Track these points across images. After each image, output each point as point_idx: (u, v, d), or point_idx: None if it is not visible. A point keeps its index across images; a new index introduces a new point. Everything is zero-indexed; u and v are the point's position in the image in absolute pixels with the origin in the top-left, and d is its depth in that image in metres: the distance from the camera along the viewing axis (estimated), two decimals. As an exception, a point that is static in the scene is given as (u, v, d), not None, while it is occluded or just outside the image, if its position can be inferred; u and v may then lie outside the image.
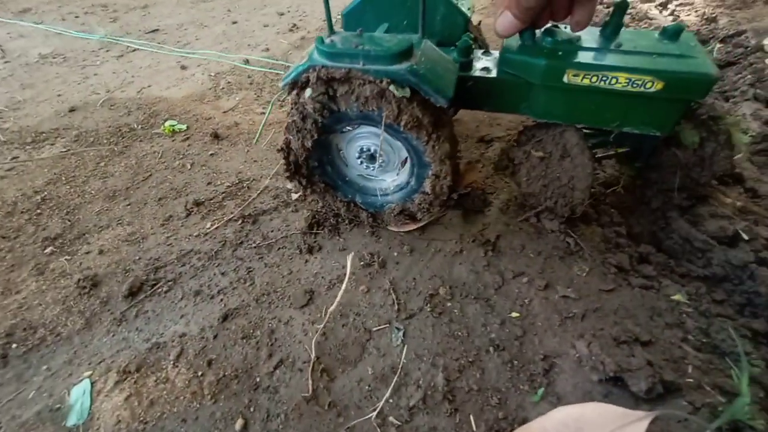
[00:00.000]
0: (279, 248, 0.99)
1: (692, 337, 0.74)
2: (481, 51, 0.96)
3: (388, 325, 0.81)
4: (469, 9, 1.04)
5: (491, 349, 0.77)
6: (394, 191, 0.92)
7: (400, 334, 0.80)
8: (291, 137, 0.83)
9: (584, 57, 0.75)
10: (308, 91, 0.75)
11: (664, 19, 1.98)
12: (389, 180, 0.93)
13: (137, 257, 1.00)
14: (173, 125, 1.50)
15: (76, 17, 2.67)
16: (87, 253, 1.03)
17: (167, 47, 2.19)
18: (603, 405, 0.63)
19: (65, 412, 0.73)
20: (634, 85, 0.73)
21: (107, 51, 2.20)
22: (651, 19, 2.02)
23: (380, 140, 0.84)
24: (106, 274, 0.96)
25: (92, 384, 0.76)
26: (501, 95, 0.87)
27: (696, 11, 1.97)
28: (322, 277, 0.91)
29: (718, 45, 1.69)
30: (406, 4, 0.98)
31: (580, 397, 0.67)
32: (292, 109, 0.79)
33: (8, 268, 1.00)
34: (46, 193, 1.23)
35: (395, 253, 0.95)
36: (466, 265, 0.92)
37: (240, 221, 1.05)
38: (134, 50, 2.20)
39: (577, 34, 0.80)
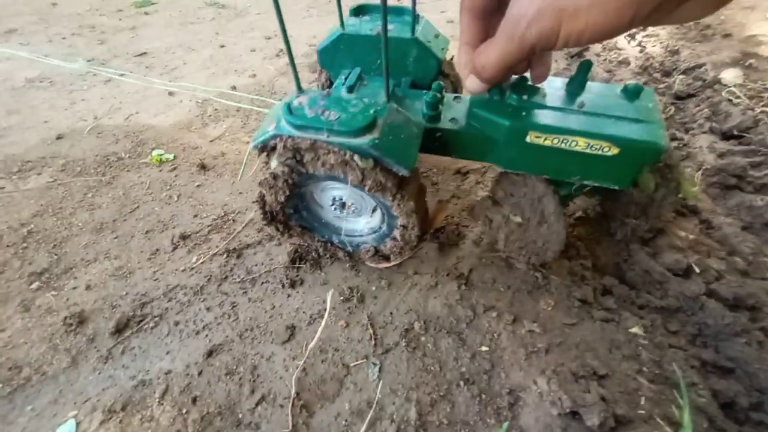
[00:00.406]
0: (262, 282, 1.03)
1: (646, 369, 0.81)
2: (453, 96, 1.00)
3: (365, 360, 0.86)
4: (443, 49, 1.08)
5: (461, 383, 0.82)
6: (369, 233, 0.98)
7: (377, 369, 0.84)
8: (264, 192, 0.88)
9: (547, 119, 0.79)
10: (274, 162, 0.80)
11: (632, 50, 2.10)
12: (363, 222, 0.99)
13: (124, 292, 1.02)
14: (161, 154, 1.54)
15: (63, 38, 2.68)
16: (74, 288, 1.05)
17: (154, 73, 2.23)
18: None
19: (51, 453, 0.75)
20: (593, 148, 0.78)
21: (95, 75, 2.23)
22: (620, 49, 2.15)
23: (347, 195, 0.89)
24: (93, 311, 0.98)
25: (77, 424, 0.78)
26: (468, 146, 0.92)
27: (661, 43, 2.10)
28: (304, 312, 0.96)
29: (680, 77, 1.81)
30: (377, 46, 1.02)
31: (541, 430, 0.73)
32: (263, 169, 0.84)
33: (-6, 305, 1.02)
34: (32, 225, 1.25)
35: (373, 288, 1.00)
36: (441, 299, 0.97)
37: (225, 255, 1.09)
38: (121, 74, 2.24)
39: (545, 88, 0.85)
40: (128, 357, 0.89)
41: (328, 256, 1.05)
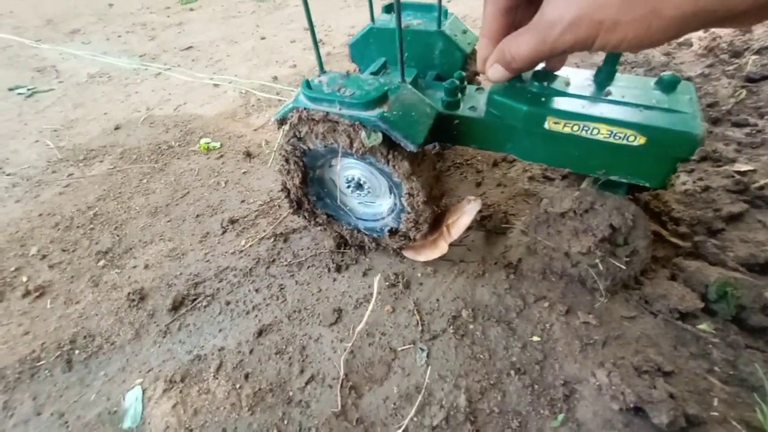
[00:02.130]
0: (309, 266, 1.05)
1: (718, 368, 0.74)
2: (475, 88, 0.96)
3: (412, 345, 0.85)
4: (469, 44, 1.06)
5: (512, 372, 0.79)
6: (389, 214, 0.96)
7: (424, 354, 0.84)
8: (284, 179, 0.92)
9: (566, 105, 0.74)
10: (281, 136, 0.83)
11: (695, 34, 1.93)
12: (384, 204, 0.97)
13: (179, 272, 1.08)
14: (208, 143, 1.60)
15: (119, 36, 2.85)
16: (134, 267, 1.12)
17: (199, 66, 2.32)
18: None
19: (121, 416, 0.81)
20: (616, 137, 0.71)
21: (146, 69, 2.35)
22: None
23: (360, 173, 0.90)
24: (151, 288, 1.04)
25: (143, 391, 0.84)
26: (486, 135, 0.88)
27: (730, 20, 1.91)
28: (350, 296, 0.96)
29: (753, 57, 1.64)
30: (406, 39, 1.01)
31: (600, 425, 0.69)
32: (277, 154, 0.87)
33: (69, 280, 1.11)
34: (97, 208, 1.34)
35: (419, 274, 0.99)
36: (489, 288, 0.94)
37: (272, 239, 1.12)
38: (169, 68, 2.34)
39: (569, 78, 0.79)
40: (184, 333, 0.94)
41: (355, 244, 1.05)
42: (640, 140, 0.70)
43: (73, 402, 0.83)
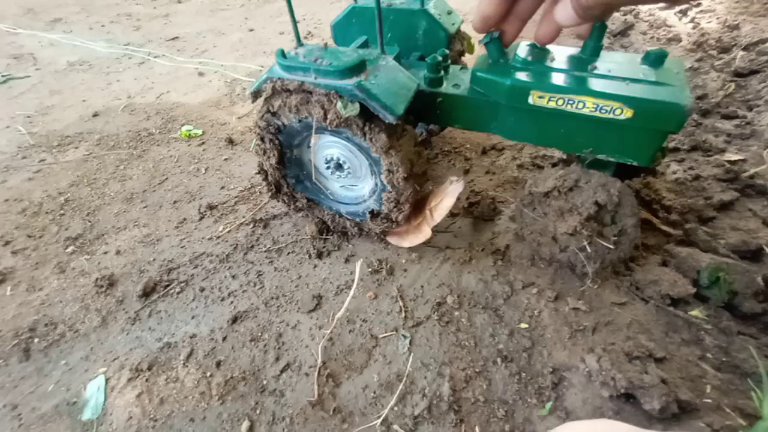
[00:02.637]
0: (289, 253, 1.00)
1: (711, 355, 0.72)
2: (460, 67, 0.95)
3: (394, 332, 0.81)
4: (453, 24, 1.05)
5: (499, 360, 0.76)
6: (370, 196, 0.92)
7: (407, 341, 0.79)
8: (260, 159, 0.88)
9: (550, 78, 0.72)
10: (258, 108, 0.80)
11: (684, 27, 1.94)
12: (365, 187, 0.93)
13: (152, 258, 1.02)
14: (189, 130, 1.54)
15: (102, 26, 2.77)
16: (105, 253, 1.06)
17: (185, 56, 2.26)
18: (614, 422, 0.61)
19: (81, 406, 0.75)
20: (603, 111, 0.69)
21: (129, 58, 2.28)
22: (669, 26, 1.99)
23: (338, 152, 0.86)
24: (122, 274, 0.99)
25: (107, 380, 0.78)
26: (470, 113, 0.86)
27: (718, 18, 1.92)
28: (330, 283, 0.92)
29: (742, 52, 1.65)
30: (388, 18, 1.00)
31: (590, 412, 0.66)
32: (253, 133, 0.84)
33: (33, 266, 1.04)
34: (69, 194, 1.28)
35: (403, 260, 0.95)
36: (475, 274, 0.91)
37: (252, 225, 1.07)
38: (155, 57, 2.28)
39: (554, 54, 0.77)
40: (155, 320, 0.89)
41: (337, 230, 1.00)
42: (627, 113, 0.68)
43: (28, 393, 0.77)
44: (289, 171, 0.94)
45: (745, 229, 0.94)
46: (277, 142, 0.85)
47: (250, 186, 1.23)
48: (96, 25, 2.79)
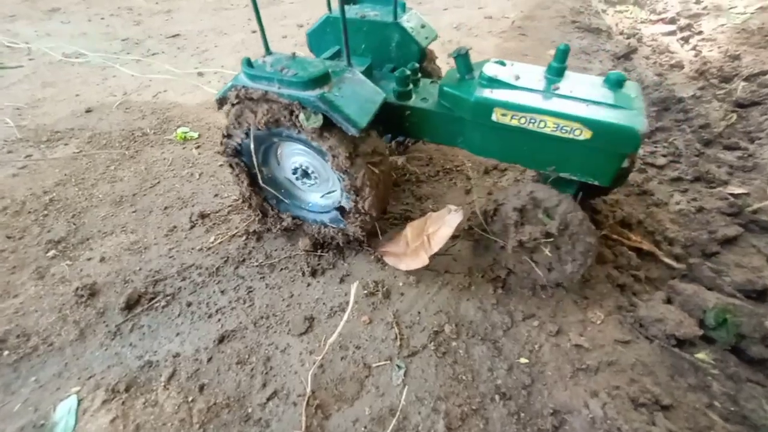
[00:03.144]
0: (281, 269, 0.96)
1: (719, 404, 0.69)
2: (430, 81, 0.95)
3: (389, 361, 0.78)
4: (426, 38, 1.04)
5: (497, 397, 0.72)
6: (342, 197, 0.89)
7: (401, 372, 0.76)
8: (240, 188, 0.92)
9: (513, 97, 0.74)
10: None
11: (686, 54, 1.95)
12: (338, 189, 0.91)
13: (138, 268, 0.98)
14: (185, 132, 1.50)
15: (102, 19, 2.72)
16: (88, 259, 1.01)
17: (185, 54, 2.22)
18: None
19: (49, 430, 0.70)
20: (563, 131, 0.72)
21: (128, 54, 2.24)
22: (672, 53, 2.00)
23: (306, 160, 0.87)
24: (105, 284, 0.94)
25: (79, 402, 0.73)
26: (437, 127, 0.87)
27: (719, 47, 1.94)
28: (324, 304, 0.88)
29: (743, 83, 1.65)
30: (362, 29, 1.02)
31: (590, 460, 0.63)
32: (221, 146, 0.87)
33: (9, 270, 0.99)
34: (54, 194, 1.23)
35: (400, 283, 0.92)
36: (474, 302, 0.88)
37: (244, 237, 1.03)
38: (153, 54, 2.24)
39: (520, 72, 0.79)
40: (136, 335, 0.84)
41: (326, 242, 0.98)
42: (586, 134, 0.70)
43: (-7, 412, 0.72)
44: (267, 193, 0.93)
45: (750, 266, 0.93)
46: (242, 164, 0.86)
47: (244, 195, 1.19)
48: (95, 18, 2.73)
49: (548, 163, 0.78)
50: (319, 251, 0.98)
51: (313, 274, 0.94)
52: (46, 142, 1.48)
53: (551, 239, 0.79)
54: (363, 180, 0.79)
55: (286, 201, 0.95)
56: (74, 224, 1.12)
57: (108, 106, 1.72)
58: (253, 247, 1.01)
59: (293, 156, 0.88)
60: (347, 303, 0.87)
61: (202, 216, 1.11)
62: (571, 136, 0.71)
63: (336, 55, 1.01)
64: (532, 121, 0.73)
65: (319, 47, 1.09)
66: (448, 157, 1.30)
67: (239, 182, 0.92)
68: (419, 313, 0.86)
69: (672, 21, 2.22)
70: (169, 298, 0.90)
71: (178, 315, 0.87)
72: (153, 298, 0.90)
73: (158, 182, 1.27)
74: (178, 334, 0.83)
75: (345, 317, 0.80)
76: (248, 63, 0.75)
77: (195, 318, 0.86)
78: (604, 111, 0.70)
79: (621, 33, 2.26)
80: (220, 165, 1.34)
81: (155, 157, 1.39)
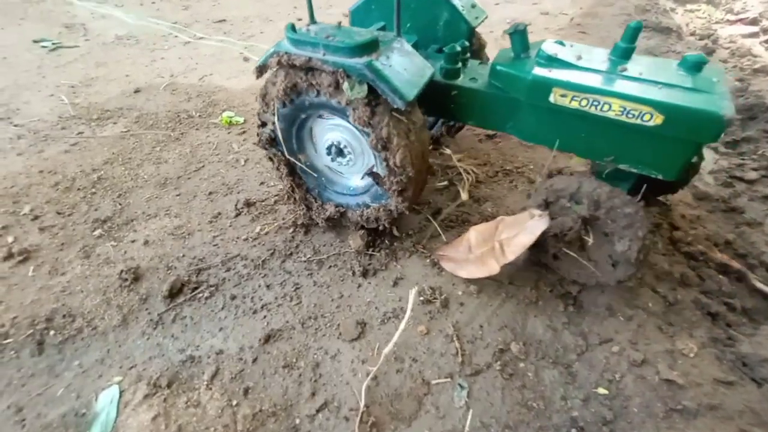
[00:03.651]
0: (330, 266, 0.90)
1: None
2: (479, 62, 0.91)
3: (449, 379, 0.70)
4: (476, 18, 0.99)
5: (573, 431, 0.63)
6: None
7: (464, 393, 0.68)
8: (283, 182, 0.91)
9: (575, 76, 0.68)
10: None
11: (774, 58, 1.75)
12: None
13: (181, 254, 0.94)
14: (231, 117, 1.47)
15: (153, 2, 2.76)
16: (133, 241, 0.99)
17: (231, 39, 2.21)
18: None
19: (90, 420, 0.67)
20: (630, 115, 0.64)
21: (176, 37, 2.25)
22: (755, 56, 1.80)
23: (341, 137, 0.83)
24: (148, 269, 0.91)
25: (121, 392, 0.70)
26: (486, 109, 0.82)
27: (814, 51, 1.73)
28: (376, 308, 0.81)
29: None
30: (410, 6, 0.97)
31: None
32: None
33: (58, 246, 0.98)
34: (102, 172, 1.22)
35: (459, 292, 0.84)
36: (543, 320, 0.79)
37: (291, 230, 0.98)
38: (200, 38, 2.23)
39: (582, 52, 0.72)
40: (179, 326, 0.80)
41: (371, 224, 0.90)
42: (657, 120, 0.63)
43: (36, 395, 0.70)
44: (308, 182, 0.90)
45: None
46: (279, 154, 0.86)
47: (291, 185, 1.14)
48: (147, 1, 2.78)
49: (607, 153, 0.71)
50: (371, 250, 0.92)
51: (364, 274, 0.87)
52: (96, 120, 1.48)
53: (587, 226, 0.72)
54: (389, 130, 0.72)
55: (328, 188, 0.91)
56: (120, 204, 1.11)
57: (155, 87, 1.71)
58: (301, 241, 0.96)
59: (325, 134, 0.84)
60: (401, 309, 0.80)
61: (248, 204, 1.06)
62: (638, 121, 0.64)
63: (381, 29, 0.96)
64: (595, 103, 0.66)
65: (363, 25, 1.04)
66: (507, 158, 1.20)
67: (280, 175, 0.89)
68: (481, 327, 0.78)
69: (754, 22, 2.01)
70: (212, 289, 0.86)
71: (222, 308, 0.83)
72: (196, 288, 0.86)
73: (203, 166, 1.24)
74: (221, 329, 0.79)
75: (401, 326, 0.73)
76: (292, 28, 0.71)
77: (239, 313, 0.81)
78: (680, 94, 0.62)
79: (693, 33, 2.07)
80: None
81: (200, 140, 1.36)
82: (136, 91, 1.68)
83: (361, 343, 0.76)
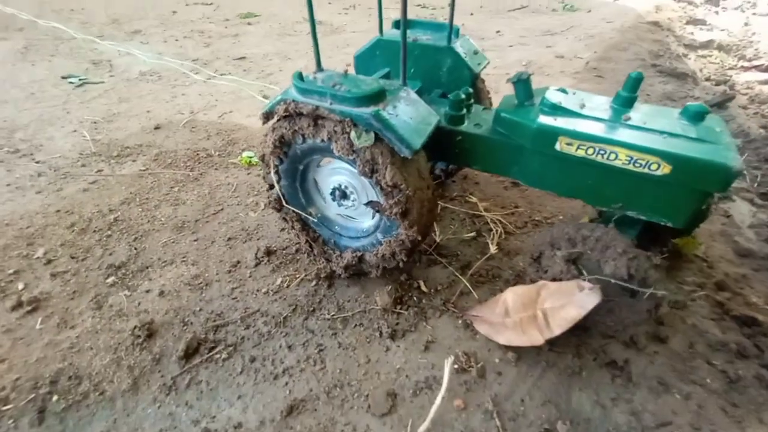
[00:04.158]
0: (356, 325, 0.84)
1: None
2: (483, 108, 0.93)
3: (492, 467, 0.63)
4: (479, 64, 1.02)
5: None
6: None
7: (511, 486, 0.61)
8: (298, 237, 0.92)
9: (581, 125, 0.69)
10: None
11: (796, 104, 1.74)
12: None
13: (198, 308, 0.89)
14: (250, 157, 1.46)
15: (176, 40, 2.86)
16: (147, 291, 0.94)
17: (250, 77, 2.26)
18: None
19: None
20: (637, 165, 0.65)
21: (196, 73, 2.30)
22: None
23: (346, 180, 0.84)
24: (162, 323, 0.86)
25: (127, 473, 0.63)
26: (491, 155, 0.83)
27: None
28: (407, 376, 0.75)
29: None
30: (413, 53, 1.00)
31: None
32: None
33: (69, 295, 0.93)
34: (119, 213, 1.19)
35: (496, 360, 0.77)
36: (588, 394, 0.72)
37: (314, 282, 0.93)
38: (221, 75, 2.29)
39: (585, 100, 0.74)
40: (194, 392, 0.74)
41: (387, 263, 0.86)
42: (665, 169, 0.64)
43: (33, 475, 0.63)
44: (324, 234, 0.89)
45: None
46: (291, 212, 0.88)
47: (312, 231, 1.10)
48: (170, 39, 2.88)
49: (614, 200, 0.72)
50: (398, 308, 0.86)
51: (392, 336, 0.81)
52: (116, 158, 1.48)
53: (577, 265, 0.73)
54: (372, 151, 0.70)
55: (343, 236, 0.90)
56: (135, 249, 1.07)
57: (175, 123, 1.73)
58: (324, 295, 0.91)
59: (327, 180, 0.85)
60: (434, 378, 0.74)
61: (268, 252, 1.02)
62: (645, 170, 0.65)
63: (385, 77, 0.98)
64: (602, 152, 0.67)
65: (367, 70, 1.06)
66: (535, 207, 1.16)
67: (297, 233, 0.91)
68: (523, 401, 0.71)
69: (770, 68, 2.02)
70: (230, 349, 0.80)
71: (241, 372, 0.77)
72: (213, 348, 0.81)
73: (221, 209, 1.21)
74: (239, 397, 0.73)
75: (438, 401, 0.66)
76: (299, 77, 0.72)
77: (259, 378, 0.75)
78: (686, 144, 0.64)
79: (708, 79, 2.08)
80: (286, 195, 1.27)
81: (219, 181, 1.34)
82: (156, 128, 1.69)
83: (393, 418, 0.69)
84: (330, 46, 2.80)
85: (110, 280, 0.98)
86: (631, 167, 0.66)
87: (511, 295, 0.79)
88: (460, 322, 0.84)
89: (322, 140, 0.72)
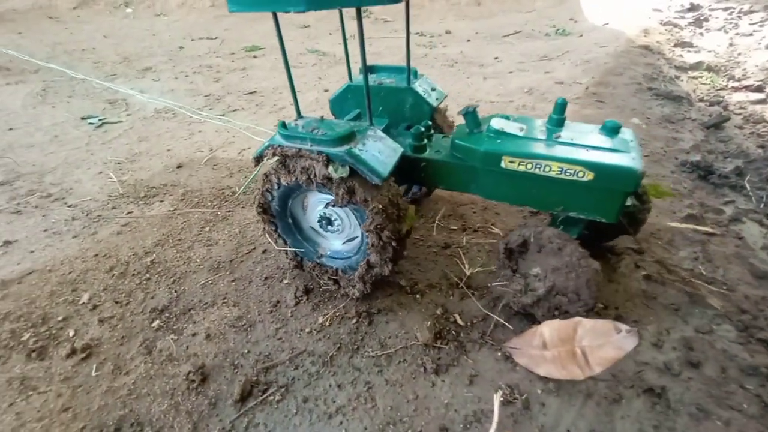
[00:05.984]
0: (399, 361, 0.88)
1: None
2: (442, 136, 1.08)
3: (549, 500, 0.66)
4: (437, 99, 1.17)
5: None
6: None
7: None
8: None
9: (519, 145, 0.85)
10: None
11: (787, 123, 1.84)
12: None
13: (246, 350, 0.93)
14: (275, 193, 1.51)
15: (186, 76, 2.96)
16: (194, 335, 0.98)
17: (263, 111, 2.34)
18: None
19: None
20: (567, 174, 0.80)
21: (210, 109, 2.38)
22: (768, 121, 1.89)
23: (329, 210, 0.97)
24: (213, 367, 0.89)
25: None
26: (451, 176, 0.99)
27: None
28: (455, 411, 0.79)
29: None
30: (379, 94, 1.15)
31: None
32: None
33: (119, 340, 0.97)
34: (155, 255, 1.24)
35: (538, 390, 0.81)
36: (631, 422, 0.76)
37: (354, 319, 0.97)
38: (234, 110, 2.37)
39: (523, 124, 0.91)
40: (252, 435, 0.77)
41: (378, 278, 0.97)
42: (589, 176, 0.79)
43: None
44: (336, 264, 1.01)
45: None
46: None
47: (345, 268, 1.15)
48: (180, 75, 2.98)
49: (556, 204, 0.87)
50: (439, 343, 0.90)
51: (437, 371, 0.85)
52: (143, 198, 1.53)
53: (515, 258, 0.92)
54: (348, 184, 0.83)
55: (352, 270, 0.99)
56: (175, 291, 1.11)
57: (197, 161, 1.79)
58: (366, 332, 0.95)
59: (314, 212, 0.99)
60: (482, 411, 0.78)
61: (307, 291, 1.06)
62: (574, 178, 0.80)
63: (356, 118, 1.13)
64: (538, 166, 0.82)
65: (341, 111, 1.23)
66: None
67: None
68: (569, 431, 0.75)
69: (759, 89, 2.13)
70: (283, 390, 0.84)
71: (296, 413, 0.80)
72: (266, 390, 0.84)
73: (254, 248, 1.26)
74: (298, 438, 0.76)
75: (490, 436, 0.70)
76: (283, 125, 0.86)
77: (314, 418, 0.79)
78: (603, 154, 0.79)
79: (701, 100, 2.19)
80: (315, 231, 1.32)
81: (248, 220, 1.39)
82: (179, 167, 1.75)
83: (448, 455, 0.72)
84: (335, 77, 2.90)
85: (155, 324, 1.01)
86: (563, 176, 0.81)
87: (548, 329, 0.84)
88: (499, 354, 0.88)
89: (307, 178, 0.85)
